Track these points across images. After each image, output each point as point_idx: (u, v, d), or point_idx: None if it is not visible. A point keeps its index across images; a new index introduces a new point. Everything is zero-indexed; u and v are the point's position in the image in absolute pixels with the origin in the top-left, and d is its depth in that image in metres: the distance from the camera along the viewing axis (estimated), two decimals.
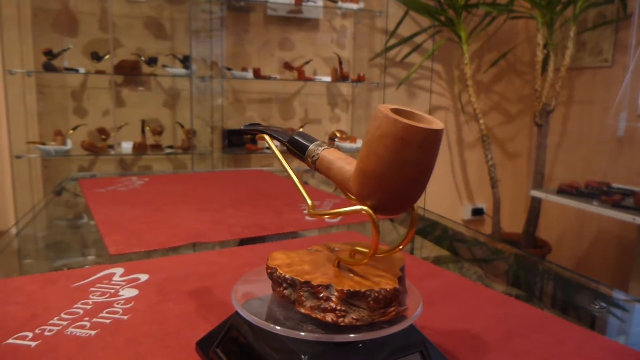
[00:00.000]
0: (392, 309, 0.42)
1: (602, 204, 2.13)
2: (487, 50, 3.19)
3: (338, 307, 0.40)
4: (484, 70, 3.18)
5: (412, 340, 0.44)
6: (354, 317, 0.40)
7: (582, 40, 2.84)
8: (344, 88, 3.02)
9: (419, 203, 2.95)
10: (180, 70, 2.54)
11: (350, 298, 0.40)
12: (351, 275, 0.44)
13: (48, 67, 2.31)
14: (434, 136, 0.40)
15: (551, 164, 3.04)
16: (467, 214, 3.34)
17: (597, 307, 0.68)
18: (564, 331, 0.58)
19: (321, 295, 0.41)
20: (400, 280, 0.44)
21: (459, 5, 2.69)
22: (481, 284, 0.74)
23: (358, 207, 0.43)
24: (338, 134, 2.91)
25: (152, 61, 2.50)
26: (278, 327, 0.41)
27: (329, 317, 0.40)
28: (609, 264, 2.78)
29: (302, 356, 0.40)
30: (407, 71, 3.00)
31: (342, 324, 0.40)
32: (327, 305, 0.40)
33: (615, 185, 2.42)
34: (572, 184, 2.39)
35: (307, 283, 0.42)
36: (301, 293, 0.42)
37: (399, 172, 0.40)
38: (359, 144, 2.86)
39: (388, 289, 0.41)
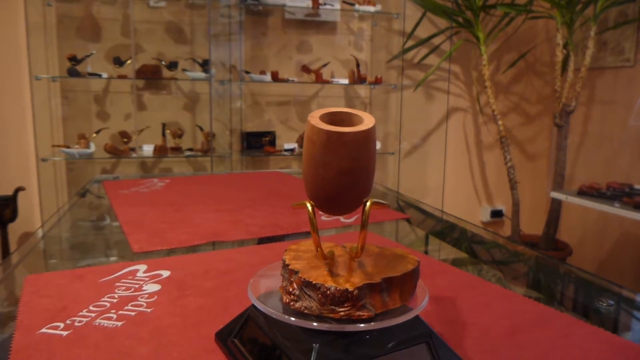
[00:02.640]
0: (343, 309, 0.43)
1: (624, 205, 2.11)
2: (505, 51, 3.18)
3: (294, 292, 0.45)
4: (502, 71, 3.17)
5: (418, 332, 0.46)
6: (304, 305, 0.44)
7: (603, 40, 2.81)
8: (362, 90, 3.04)
9: (437, 204, 2.93)
10: (199, 74, 2.59)
11: (305, 287, 0.44)
12: (342, 270, 0.47)
13: (72, 73, 2.38)
14: (338, 138, 0.41)
15: (571, 165, 3.02)
16: (486, 216, 3.32)
17: (604, 304, 0.69)
18: (569, 326, 0.59)
19: (291, 278, 0.46)
20: (378, 285, 0.44)
21: (476, 6, 2.69)
22: (493, 283, 0.75)
23: (304, 201, 0.46)
24: None
25: (172, 65, 2.55)
26: (293, 318, 0.43)
27: (285, 298, 0.45)
28: (631, 266, 2.74)
29: (314, 344, 0.42)
30: (424, 73, 3.00)
31: (292, 307, 0.45)
32: (289, 287, 0.46)
33: (637, 186, 2.39)
34: (593, 185, 2.37)
35: (286, 266, 0.47)
36: (283, 275, 0.48)
37: (314, 172, 0.43)
38: (377, 145, 2.87)
39: (338, 288, 0.43)
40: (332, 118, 0.44)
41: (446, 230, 1.18)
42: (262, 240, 0.94)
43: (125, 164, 2.68)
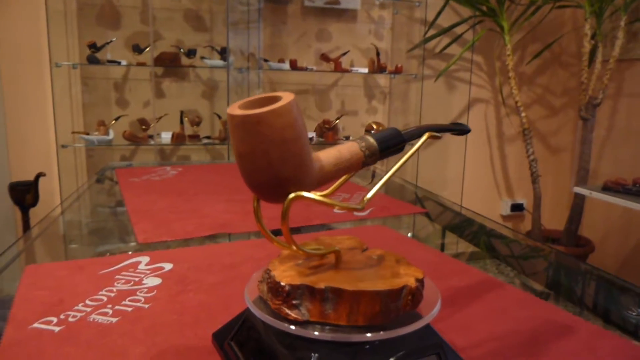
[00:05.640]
0: (277, 302, 0.42)
1: None
2: (530, 41, 3.08)
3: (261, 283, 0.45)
4: (527, 62, 3.08)
5: (427, 343, 0.42)
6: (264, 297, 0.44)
7: (633, 31, 2.70)
8: (381, 80, 2.99)
9: (456, 196, 2.88)
10: (218, 61, 2.57)
11: (266, 272, 0.45)
12: (314, 268, 0.45)
13: (92, 60, 2.38)
14: (231, 120, 0.39)
15: (596, 159, 2.92)
16: (506, 210, 3.25)
17: (634, 313, 0.65)
18: (596, 338, 0.55)
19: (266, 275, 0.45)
20: (320, 292, 0.41)
21: None
22: (511, 284, 0.71)
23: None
24: (375, 126, 2.88)
25: (190, 53, 2.53)
26: (292, 327, 0.40)
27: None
28: None
29: (312, 354, 0.39)
30: (446, 63, 2.93)
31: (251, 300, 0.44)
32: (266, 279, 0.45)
33: None
34: (619, 181, 2.29)
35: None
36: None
37: (236, 157, 0.42)
38: None
39: (274, 279, 0.42)
40: (262, 101, 0.41)
41: (464, 226, 1.14)
42: (273, 233, 0.91)
43: (143, 151, 2.68)
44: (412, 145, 0.52)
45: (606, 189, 2.27)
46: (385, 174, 0.49)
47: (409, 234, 1.02)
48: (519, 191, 3.28)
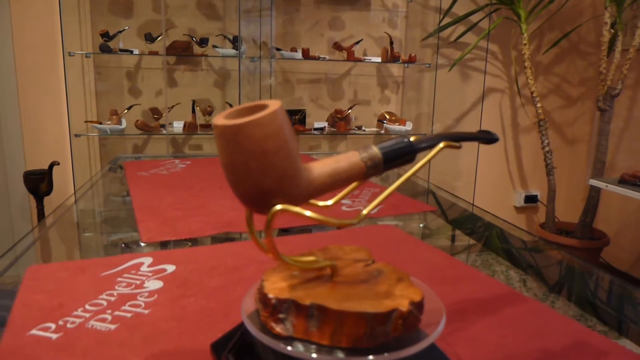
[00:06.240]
0: (264, 314, 0.42)
1: None
2: (548, 29, 3.01)
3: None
4: (543, 51, 3.01)
5: None
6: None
7: None
8: (395, 69, 2.95)
9: (469, 187, 2.84)
10: (229, 50, 2.55)
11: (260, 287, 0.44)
12: (307, 280, 0.45)
13: (104, 49, 2.38)
14: (215, 129, 0.38)
15: (613, 151, 2.86)
16: (519, 201, 3.21)
17: None
18: (609, 353, 0.53)
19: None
20: (305, 308, 0.40)
21: None
22: (521, 292, 0.70)
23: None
24: (387, 116, 2.85)
25: (203, 42, 2.52)
26: (289, 348, 0.39)
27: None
28: None
29: None
30: (461, 52, 2.88)
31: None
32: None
33: None
34: (636, 173, 2.24)
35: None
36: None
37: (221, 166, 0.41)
38: (408, 126, 2.79)
39: (263, 290, 0.42)
40: (249, 110, 0.40)
41: (475, 226, 1.11)
42: (283, 231, 0.90)
43: (155, 140, 2.69)
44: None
45: (623, 182, 2.22)
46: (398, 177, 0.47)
47: (419, 234, 1.00)
48: (533, 183, 3.23)
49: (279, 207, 0.40)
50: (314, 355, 0.39)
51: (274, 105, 0.39)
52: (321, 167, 0.42)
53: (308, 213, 0.40)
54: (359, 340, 0.38)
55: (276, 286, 0.43)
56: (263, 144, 0.37)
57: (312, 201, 0.46)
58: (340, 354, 0.39)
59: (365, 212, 0.44)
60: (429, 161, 0.46)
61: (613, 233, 2.84)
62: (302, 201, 0.42)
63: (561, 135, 3.20)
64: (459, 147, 0.48)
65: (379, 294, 0.42)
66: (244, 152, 0.38)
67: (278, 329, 0.40)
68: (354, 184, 0.48)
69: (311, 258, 0.46)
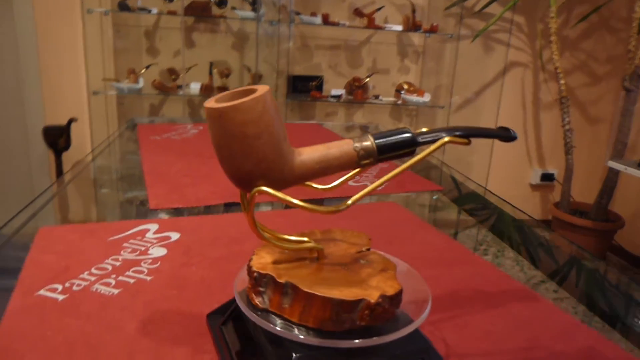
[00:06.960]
0: (249, 284, 0.44)
1: None
2: (577, 2, 2.91)
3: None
4: (571, 25, 2.92)
5: (412, 347, 0.42)
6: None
7: None
8: (416, 38, 2.89)
9: (485, 162, 2.81)
10: (248, 13, 2.52)
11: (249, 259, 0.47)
12: (295, 259, 0.46)
13: (123, 7, 2.36)
14: (215, 114, 0.40)
15: (636, 133, 2.80)
16: (535, 179, 3.18)
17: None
18: (597, 346, 0.54)
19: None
20: (281, 286, 0.42)
21: None
22: (518, 278, 0.70)
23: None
24: (406, 86, 2.81)
25: (221, 3, 2.49)
26: (278, 328, 0.41)
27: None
28: None
29: (294, 354, 0.39)
30: (485, 22, 2.80)
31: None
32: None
33: None
34: None
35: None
36: None
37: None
38: (426, 97, 2.76)
39: (250, 263, 0.45)
40: (241, 94, 0.42)
41: (482, 209, 1.11)
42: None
43: (172, 100, 2.69)
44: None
45: None
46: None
47: (422, 213, 1.01)
48: (551, 161, 3.19)
49: (255, 189, 0.42)
50: (278, 328, 0.41)
51: (261, 90, 0.40)
52: (310, 152, 0.43)
53: (285, 197, 0.42)
54: (325, 323, 0.40)
55: (262, 261, 0.45)
56: (244, 128, 0.39)
57: (308, 183, 0.47)
58: (313, 334, 0.40)
59: (350, 202, 0.44)
60: (428, 155, 0.46)
61: (629, 216, 2.81)
62: (288, 185, 0.43)
63: (583, 114, 3.13)
64: (467, 144, 0.47)
65: (353, 282, 0.42)
66: (227, 135, 0.40)
67: (257, 300, 0.43)
68: (355, 170, 0.49)
69: (298, 238, 0.47)
